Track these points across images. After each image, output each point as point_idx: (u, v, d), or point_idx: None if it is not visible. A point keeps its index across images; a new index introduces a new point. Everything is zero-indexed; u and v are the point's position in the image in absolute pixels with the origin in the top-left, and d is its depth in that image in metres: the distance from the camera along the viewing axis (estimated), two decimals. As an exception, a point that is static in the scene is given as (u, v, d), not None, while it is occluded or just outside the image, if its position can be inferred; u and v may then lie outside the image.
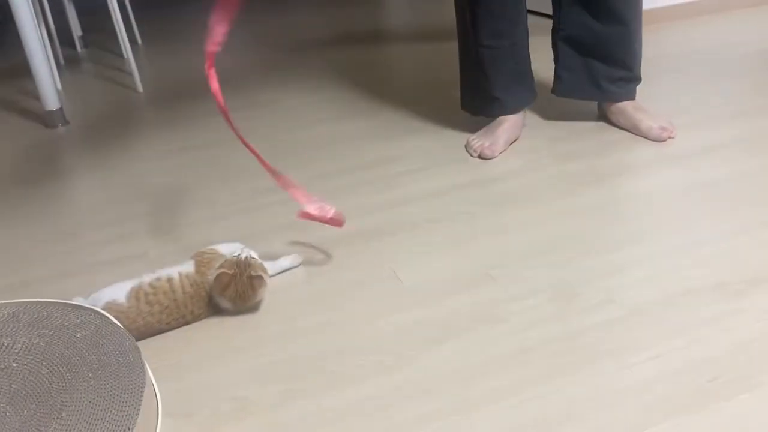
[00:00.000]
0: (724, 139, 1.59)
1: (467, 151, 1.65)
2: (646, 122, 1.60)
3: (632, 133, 1.64)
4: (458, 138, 1.72)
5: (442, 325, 1.07)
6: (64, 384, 0.72)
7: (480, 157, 1.61)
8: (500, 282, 1.16)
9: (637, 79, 1.63)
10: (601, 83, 1.61)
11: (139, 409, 0.67)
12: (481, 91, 1.64)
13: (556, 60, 1.65)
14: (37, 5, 2.57)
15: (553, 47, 1.65)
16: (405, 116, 1.91)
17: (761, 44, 2.23)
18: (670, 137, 1.59)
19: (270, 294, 1.19)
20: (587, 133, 1.68)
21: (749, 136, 1.59)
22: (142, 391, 0.70)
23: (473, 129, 1.69)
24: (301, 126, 1.93)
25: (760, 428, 0.84)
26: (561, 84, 1.67)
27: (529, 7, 2.74)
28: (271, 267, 1.20)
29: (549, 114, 1.81)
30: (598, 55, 1.59)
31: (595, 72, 1.61)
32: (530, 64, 1.67)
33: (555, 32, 1.63)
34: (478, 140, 1.64)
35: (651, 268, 1.16)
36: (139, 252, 1.36)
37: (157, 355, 1.06)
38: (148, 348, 1.08)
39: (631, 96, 1.64)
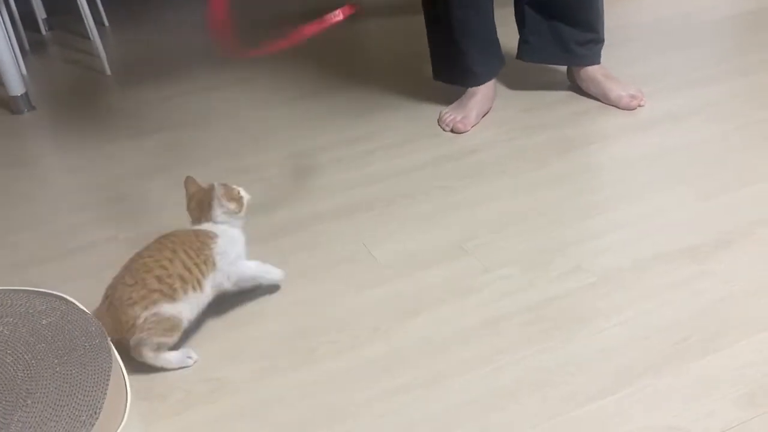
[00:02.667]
0: (691, 106, 1.60)
1: (439, 125, 1.64)
2: (616, 91, 1.61)
3: (602, 101, 1.64)
4: (430, 112, 1.71)
5: (415, 299, 1.08)
6: (29, 371, 0.71)
7: (452, 131, 1.60)
8: (473, 254, 1.17)
9: (602, 41, 1.63)
10: (569, 46, 1.61)
11: (105, 393, 0.67)
12: (454, 62, 1.63)
13: (522, 24, 1.64)
14: (-3, -12, 2.49)
15: (517, 13, 1.64)
16: (376, 92, 1.89)
17: (725, 11, 2.24)
18: (639, 105, 1.60)
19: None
20: (558, 103, 1.68)
21: (716, 102, 1.60)
22: (108, 375, 0.69)
23: (445, 103, 1.68)
24: (271, 104, 1.90)
25: (727, 388, 0.86)
26: (528, 48, 1.65)
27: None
28: (255, 267, 1.09)
29: (520, 85, 1.80)
30: (564, 18, 1.58)
31: (562, 35, 1.60)
32: (496, 31, 1.65)
33: None
34: (450, 114, 1.63)
35: (621, 234, 1.17)
36: (110, 236, 1.34)
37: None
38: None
39: (597, 59, 1.63)
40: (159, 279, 0.94)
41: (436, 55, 1.68)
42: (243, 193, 1.09)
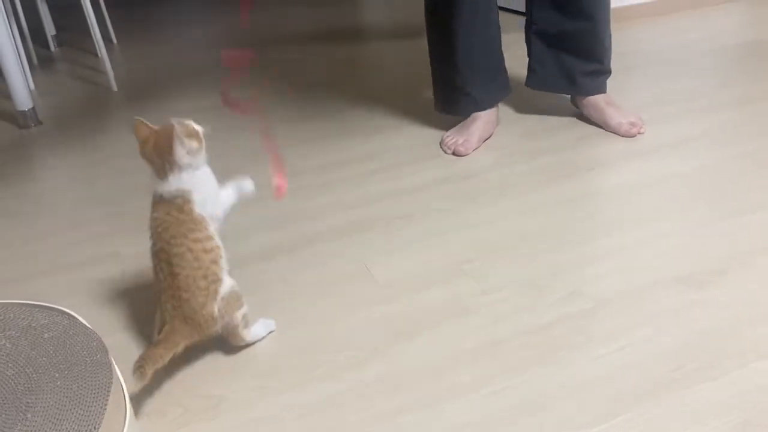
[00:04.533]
0: (690, 134, 1.62)
1: (441, 147, 1.66)
2: (617, 118, 1.63)
3: (602, 128, 1.66)
4: (432, 135, 1.73)
5: (414, 320, 1.08)
6: (30, 385, 0.71)
7: (454, 153, 1.62)
8: (472, 276, 1.18)
9: (608, 72, 1.66)
10: (573, 76, 1.64)
11: (105, 409, 0.67)
12: (454, 89, 1.65)
13: (529, 54, 1.68)
14: (8, 3, 2.53)
15: (526, 42, 1.67)
16: (380, 113, 1.92)
17: (726, 40, 2.27)
18: (639, 133, 1.62)
19: (241, 290, 1.19)
20: (559, 129, 1.70)
21: (714, 131, 1.62)
22: (108, 391, 0.70)
23: (447, 126, 1.70)
24: (273, 124, 1.93)
25: (722, 415, 0.86)
26: (534, 76, 1.69)
27: (504, 5, 2.77)
28: (233, 193, 1.07)
29: (523, 109, 1.82)
30: (569, 49, 1.61)
31: (567, 65, 1.63)
32: (503, 60, 1.68)
33: (528, 27, 1.65)
34: (452, 137, 1.65)
35: (619, 260, 1.18)
36: (112, 251, 1.35)
37: (128, 355, 1.06)
38: (118, 347, 1.08)
39: (601, 89, 1.66)
40: (205, 277, 0.99)
41: (438, 84, 1.70)
42: (195, 125, 1.02)
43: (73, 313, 0.83)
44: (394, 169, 1.58)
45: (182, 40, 3.03)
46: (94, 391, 0.70)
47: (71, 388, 0.70)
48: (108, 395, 0.69)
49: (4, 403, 0.68)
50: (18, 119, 2.08)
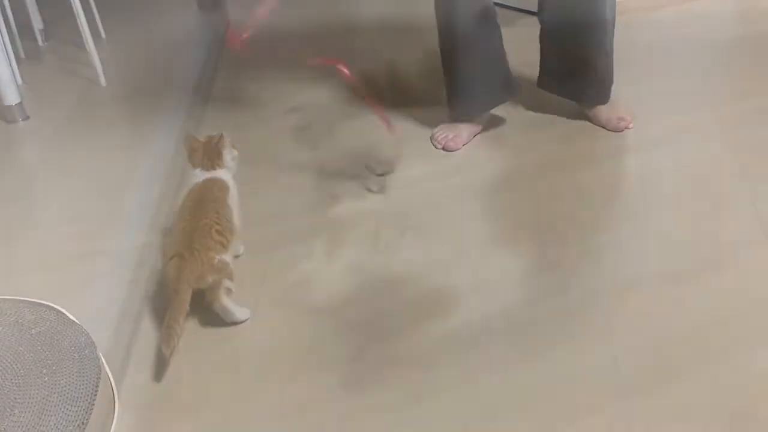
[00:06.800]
0: (682, 129, 1.62)
1: (432, 143, 1.66)
2: (606, 113, 1.63)
3: (591, 122, 1.66)
4: (423, 130, 1.73)
5: (403, 314, 1.09)
6: (17, 381, 0.71)
7: (444, 149, 1.62)
8: (462, 269, 1.18)
9: (611, 82, 1.64)
10: (578, 86, 1.63)
11: (93, 404, 0.67)
12: (455, 90, 1.64)
13: (540, 55, 1.67)
14: (-5, -3, 2.50)
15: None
16: (371, 109, 1.91)
17: (721, 35, 2.28)
18: (627, 128, 1.62)
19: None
20: (550, 124, 1.70)
21: (706, 126, 1.63)
22: (96, 387, 0.70)
23: (438, 121, 1.70)
24: (268, 118, 1.92)
25: (711, 409, 0.87)
26: (542, 79, 1.69)
27: (515, 5, 2.74)
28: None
29: (514, 103, 1.82)
30: (577, 59, 1.60)
31: (571, 71, 1.62)
32: (505, 62, 1.65)
33: (540, 31, 1.65)
34: (442, 132, 1.65)
35: (608, 255, 1.19)
36: (101, 248, 1.35)
37: (117, 351, 1.05)
38: (106, 343, 1.07)
39: (603, 100, 1.64)
40: (219, 233, 1.09)
41: (446, 89, 1.68)
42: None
43: (61, 309, 0.83)
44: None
45: (171, 36, 3.01)
46: (82, 387, 0.70)
47: (59, 384, 0.70)
48: (96, 391, 0.69)
49: (-8, 399, 0.68)
50: (5, 114, 2.06)
